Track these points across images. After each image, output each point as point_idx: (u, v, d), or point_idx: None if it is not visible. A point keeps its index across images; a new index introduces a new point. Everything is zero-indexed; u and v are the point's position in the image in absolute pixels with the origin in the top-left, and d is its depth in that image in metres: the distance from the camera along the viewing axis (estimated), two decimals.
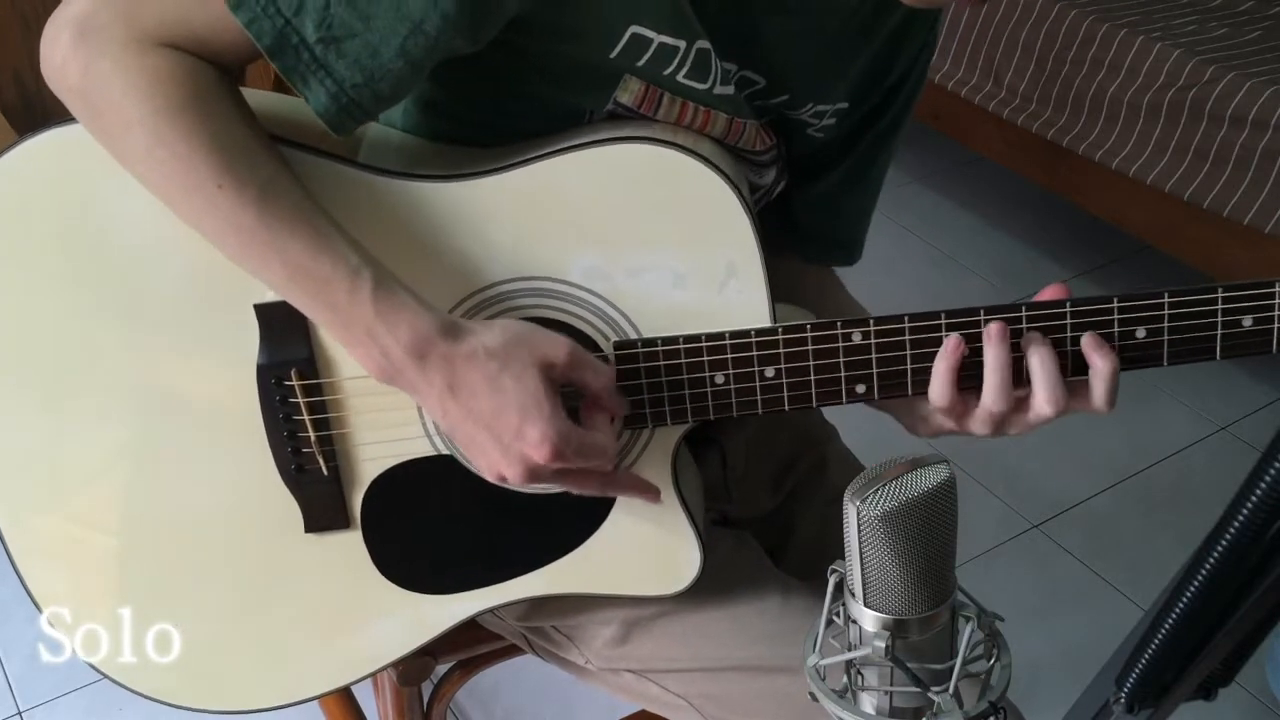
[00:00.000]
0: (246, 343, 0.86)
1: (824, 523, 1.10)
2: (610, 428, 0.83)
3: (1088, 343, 0.81)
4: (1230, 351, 0.81)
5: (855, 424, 1.24)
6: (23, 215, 0.84)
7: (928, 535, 0.63)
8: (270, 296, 0.84)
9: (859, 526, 0.63)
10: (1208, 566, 0.63)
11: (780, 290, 0.86)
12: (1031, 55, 2.41)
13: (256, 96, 0.84)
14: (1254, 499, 0.60)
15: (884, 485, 0.63)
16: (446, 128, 0.91)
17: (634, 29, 0.81)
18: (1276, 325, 0.80)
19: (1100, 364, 0.81)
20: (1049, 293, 0.83)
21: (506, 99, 0.87)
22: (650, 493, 0.88)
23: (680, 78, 0.85)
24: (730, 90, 0.88)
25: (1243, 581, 0.65)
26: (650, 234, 0.84)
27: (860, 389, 0.85)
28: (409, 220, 0.84)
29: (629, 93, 0.85)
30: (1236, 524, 0.61)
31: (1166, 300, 0.80)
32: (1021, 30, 2.42)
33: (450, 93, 0.89)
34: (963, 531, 0.65)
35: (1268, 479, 0.59)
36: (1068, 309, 0.81)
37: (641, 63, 0.83)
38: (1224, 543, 0.62)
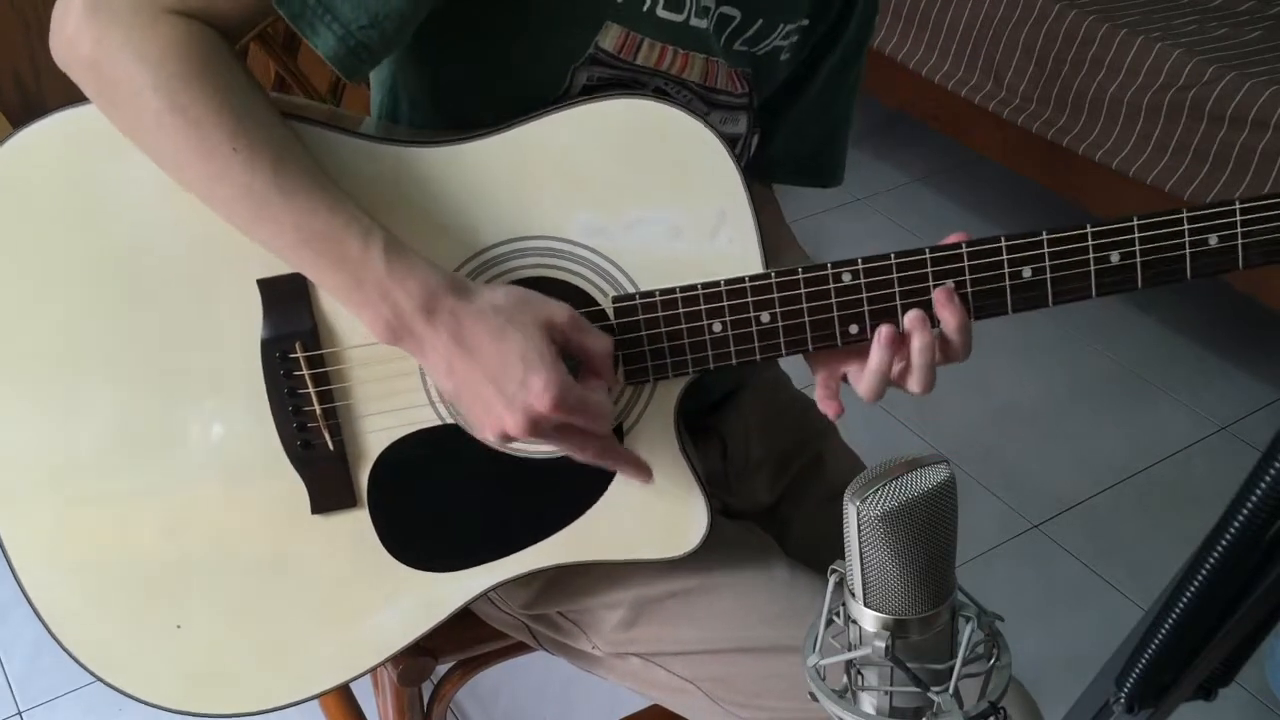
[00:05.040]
0: (250, 320, 0.87)
1: (821, 520, 1.10)
2: (607, 393, 0.84)
3: (939, 298, 0.85)
4: (1200, 271, 0.84)
5: (855, 424, 1.24)
6: (24, 199, 0.85)
7: (928, 535, 0.63)
8: (272, 271, 0.84)
9: (859, 526, 0.63)
10: (1208, 566, 0.63)
11: None
12: (1031, 55, 2.41)
13: None
14: (1254, 499, 0.60)
15: (884, 485, 0.63)
16: (432, 102, 0.93)
17: None
18: (1239, 241, 0.83)
19: (949, 318, 0.85)
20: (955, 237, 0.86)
21: (488, 57, 0.89)
22: (644, 472, 0.89)
23: (659, 11, 0.88)
24: (704, 24, 0.90)
25: (1243, 581, 0.64)
26: (642, 187, 0.86)
27: (854, 329, 0.87)
28: (408, 185, 0.85)
29: (610, 38, 0.88)
30: (1236, 524, 0.61)
31: (1136, 224, 0.83)
32: (1021, 30, 2.42)
33: (434, 60, 0.90)
34: (963, 531, 0.65)
35: (1268, 479, 0.59)
36: (1044, 237, 0.84)
37: None
38: (1224, 543, 0.62)
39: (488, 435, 0.83)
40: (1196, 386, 2.33)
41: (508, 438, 0.82)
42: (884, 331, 0.85)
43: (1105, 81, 2.29)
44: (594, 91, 0.89)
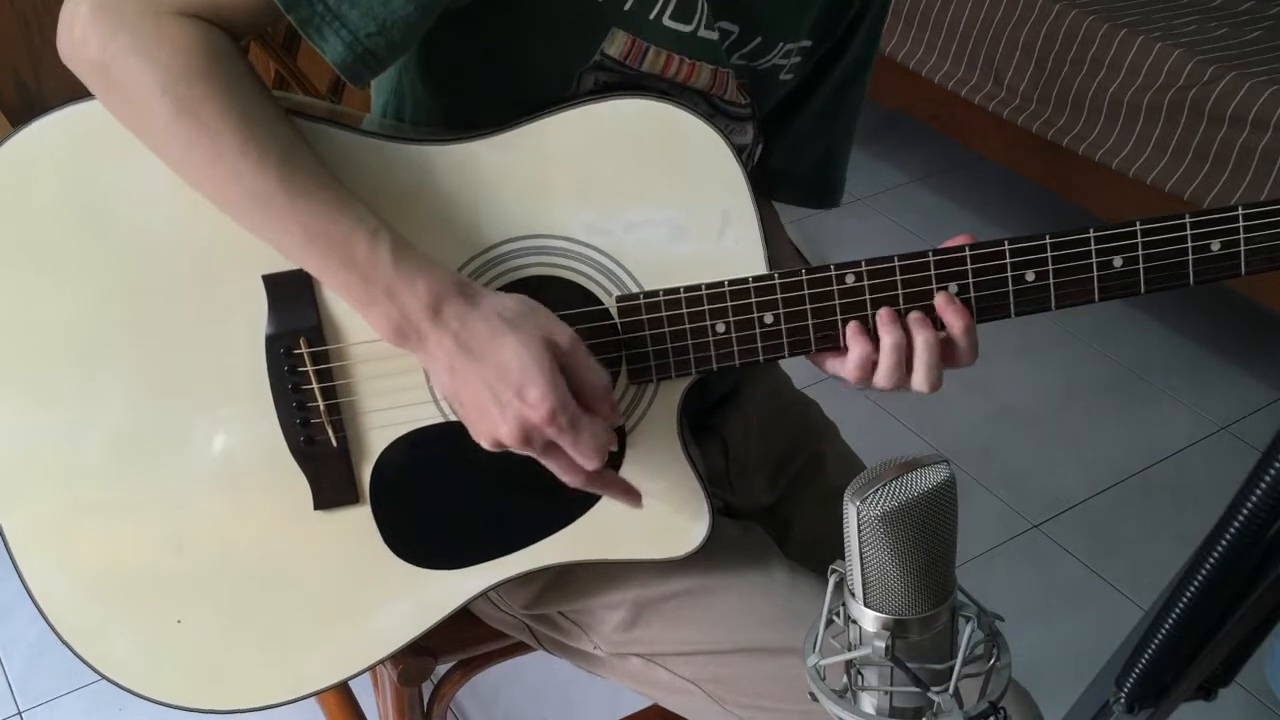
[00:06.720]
0: (254, 316, 0.87)
1: (822, 520, 1.10)
2: (603, 429, 0.84)
3: (940, 302, 0.85)
4: (1203, 277, 0.84)
5: (855, 423, 1.24)
6: (28, 196, 0.85)
7: (928, 535, 0.63)
8: (277, 267, 0.85)
9: (859, 526, 0.63)
10: (1208, 566, 0.63)
11: None
12: (1031, 55, 2.41)
13: None
14: (1254, 499, 0.60)
15: (884, 485, 0.63)
16: (438, 103, 0.93)
17: None
18: (1242, 246, 0.83)
19: (954, 321, 0.85)
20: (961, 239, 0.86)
21: (496, 59, 0.89)
22: (634, 498, 0.89)
23: (666, 20, 0.87)
24: (714, 35, 0.90)
25: (1243, 581, 0.64)
26: (646, 187, 0.86)
27: None
28: (412, 182, 0.85)
29: (615, 45, 0.88)
30: (1236, 524, 0.61)
31: (1139, 228, 0.84)
32: (1021, 30, 2.42)
33: (442, 60, 0.90)
34: (963, 531, 0.65)
35: (1268, 479, 0.59)
36: (1047, 241, 0.85)
37: (628, 5, 0.86)
38: (1224, 543, 0.62)
39: (481, 440, 0.82)
40: (1196, 386, 2.33)
41: (500, 445, 0.81)
42: (884, 313, 0.85)
43: (1105, 81, 2.29)
44: (600, 93, 0.89)
